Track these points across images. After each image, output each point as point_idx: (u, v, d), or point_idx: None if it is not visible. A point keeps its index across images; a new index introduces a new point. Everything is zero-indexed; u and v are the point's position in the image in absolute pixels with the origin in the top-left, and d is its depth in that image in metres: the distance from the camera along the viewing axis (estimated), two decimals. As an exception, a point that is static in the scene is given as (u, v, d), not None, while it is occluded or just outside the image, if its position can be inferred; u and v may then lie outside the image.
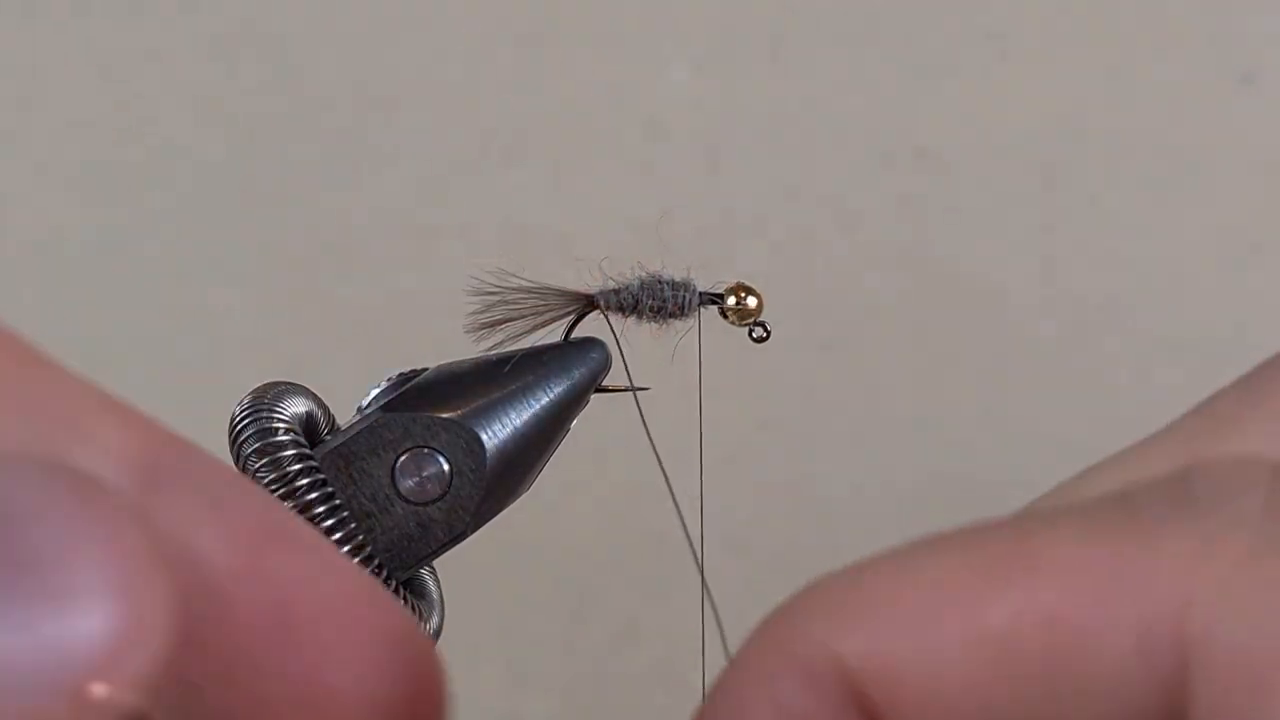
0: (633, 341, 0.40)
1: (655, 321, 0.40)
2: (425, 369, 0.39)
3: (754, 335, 0.40)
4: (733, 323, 0.40)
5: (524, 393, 0.38)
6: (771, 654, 0.26)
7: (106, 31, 0.81)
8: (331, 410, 0.39)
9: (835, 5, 0.79)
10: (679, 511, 0.38)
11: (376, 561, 0.37)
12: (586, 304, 0.39)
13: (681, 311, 0.39)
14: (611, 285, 0.40)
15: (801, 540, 0.77)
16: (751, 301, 0.40)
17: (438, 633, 0.38)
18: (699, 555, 0.39)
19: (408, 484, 0.37)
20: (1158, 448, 0.29)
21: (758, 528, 0.77)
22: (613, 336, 0.39)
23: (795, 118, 0.79)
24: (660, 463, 0.37)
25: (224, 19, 0.81)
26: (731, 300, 0.40)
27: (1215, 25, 0.78)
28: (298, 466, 0.36)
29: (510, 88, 0.80)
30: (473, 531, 0.38)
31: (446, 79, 0.80)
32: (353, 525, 0.36)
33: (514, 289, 0.39)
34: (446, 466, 0.37)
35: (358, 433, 0.37)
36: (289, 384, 0.38)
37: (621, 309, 0.39)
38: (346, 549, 0.36)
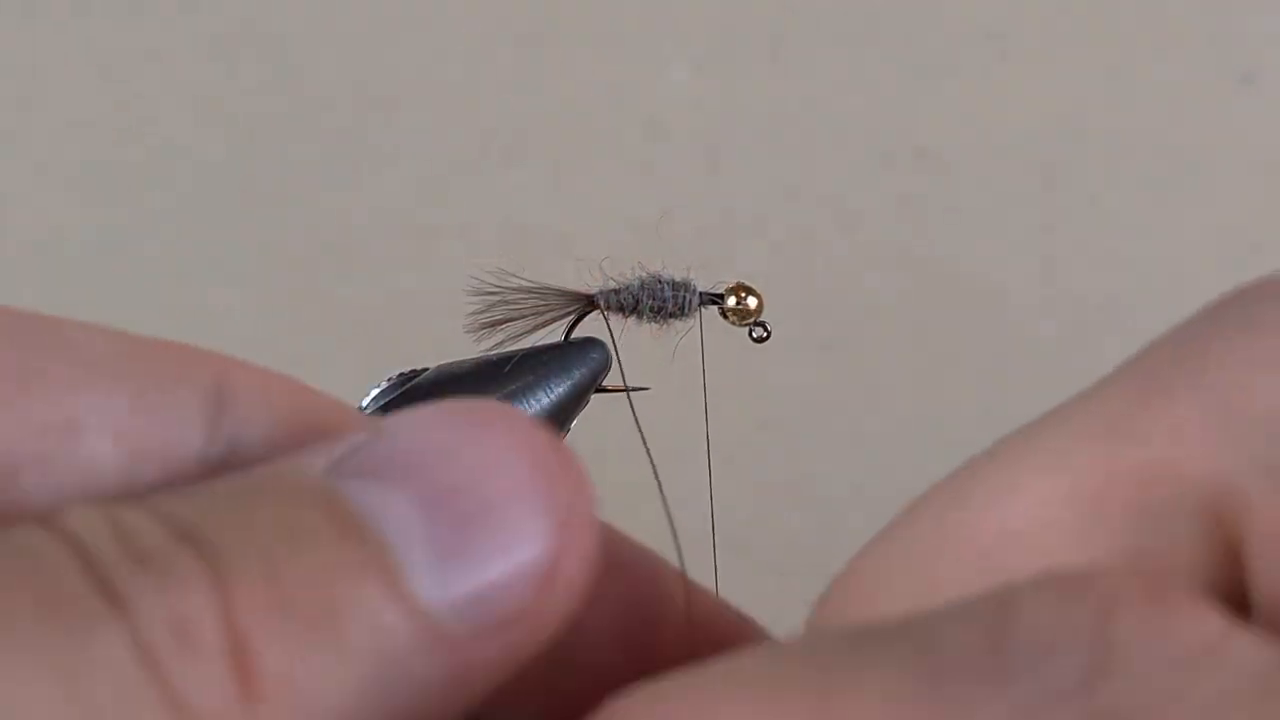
0: (633, 341, 0.40)
1: (655, 322, 0.39)
2: (425, 369, 0.39)
3: (754, 335, 0.40)
4: (733, 323, 0.40)
5: (524, 393, 0.38)
6: None
7: (106, 31, 0.81)
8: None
9: (835, 5, 0.79)
10: (669, 515, 0.38)
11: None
12: (586, 304, 0.39)
13: (682, 312, 0.39)
14: (612, 285, 0.40)
15: (801, 540, 0.77)
16: (752, 302, 0.40)
17: None
18: (712, 555, 0.39)
19: (408, 484, 0.37)
20: (1051, 461, 0.27)
21: (758, 528, 0.77)
22: (610, 337, 0.39)
23: (795, 118, 0.79)
24: (652, 461, 0.37)
25: (224, 19, 0.81)
26: (732, 300, 0.40)
27: (1215, 25, 0.78)
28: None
29: (510, 88, 0.80)
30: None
31: (446, 79, 0.80)
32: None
33: (514, 289, 0.39)
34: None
35: (358, 433, 0.37)
36: (289, 384, 0.38)
37: (622, 309, 0.39)
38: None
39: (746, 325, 0.40)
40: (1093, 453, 0.26)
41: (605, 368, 0.39)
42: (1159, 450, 0.25)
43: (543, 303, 0.39)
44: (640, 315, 0.39)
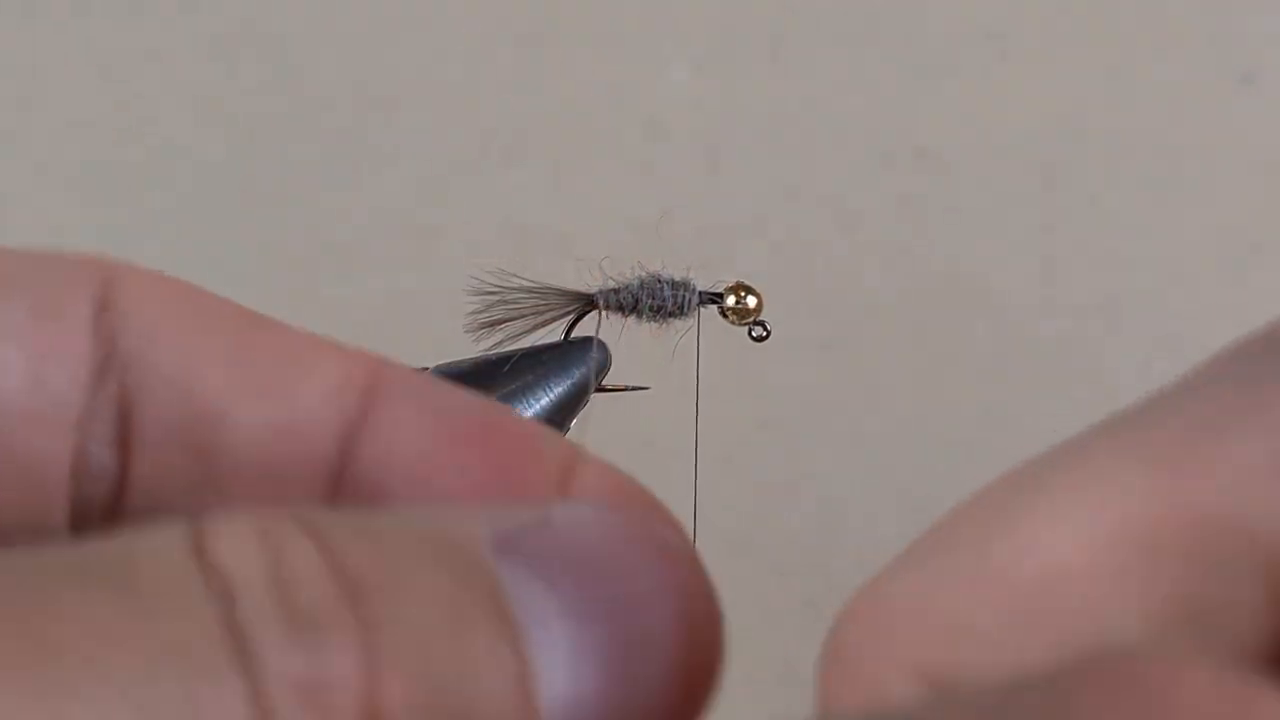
0: (633, 341, 0.40)
1: (655, 321, 0.40)
2: (425, 369, 0.39)
3: (754, 334, 0.40)
4: (732, 322, 0.40)
5: (524, 392, 0.38)
6: None
7: (106, 31, 0.81)
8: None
9: (835, 5, 0.79)
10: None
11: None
12: (586, 304, 0.39)
13: (681, 311, 0.39)
14: (611, 285, 0.40)
15: (801, 540, 0.77)
16: (751, 301, 0.40)
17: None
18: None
19: (407, 483, 0.37)
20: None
21: (758, 528, 0.77)
22: (596, 334, 0.39)
23: (795, 118, 0.79)
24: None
25: (224, 19, 0.81)
26: (731, 300, 0.40)
27: (1215, 25, 0.78)
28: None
29: (510, 88, 0.80)
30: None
31: (446, 79, 0.80)
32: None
33: (514, 289, 0.39)
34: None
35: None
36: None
37: (621, 309, 0.39)
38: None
39: (746, 324, 0.40)
40: (1149, 488, 0.24)
41: (605, 367, 0.39)
42: (1224, 494, 0.23)
43: (542, 302, 0.39)
44: (640, 315, 0.39)
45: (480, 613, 0.22)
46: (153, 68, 0.81)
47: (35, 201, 0.81)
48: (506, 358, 0.38)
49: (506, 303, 0.39)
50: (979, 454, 0.79)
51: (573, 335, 0.40)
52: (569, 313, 0.39)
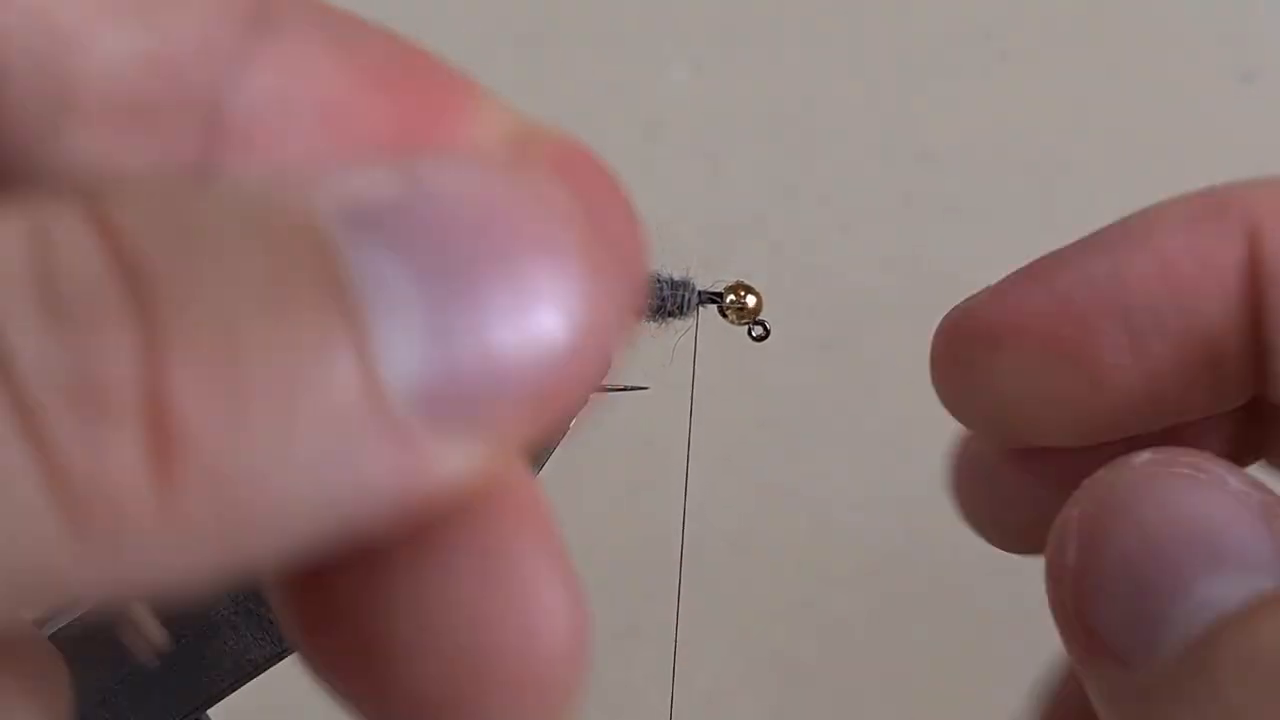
0: (633, 342, 0.40)
1: (654, 320, 0.39)
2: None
3: (753, 334, 0.40)
4: (732, 321, 0.40)
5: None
6: None
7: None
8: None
9: (835, 5, 0.79)
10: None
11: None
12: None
13: (680, 310, 0.39)
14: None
15: (800, 540, 0.77)
16: (750, 300, 0.40)
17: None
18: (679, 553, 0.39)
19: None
20: None
21: (757, 528, 0.77)
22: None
23: (795, 118, 0.79)
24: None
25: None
26: (731, 299, 0.40)
27: (1215, 25, 0.78)
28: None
29: (510, 88, 0.80)
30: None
31: (446, 79, 0.80)
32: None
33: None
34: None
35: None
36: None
37: (621, 308, 0.39)
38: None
39: (745, 324, 0.40)
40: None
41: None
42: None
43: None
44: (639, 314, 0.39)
45: (305, 293, 0.19)
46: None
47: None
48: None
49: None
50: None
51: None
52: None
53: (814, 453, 0.79)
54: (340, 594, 0.22)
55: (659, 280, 0.39)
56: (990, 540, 0.35)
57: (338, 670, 0.22)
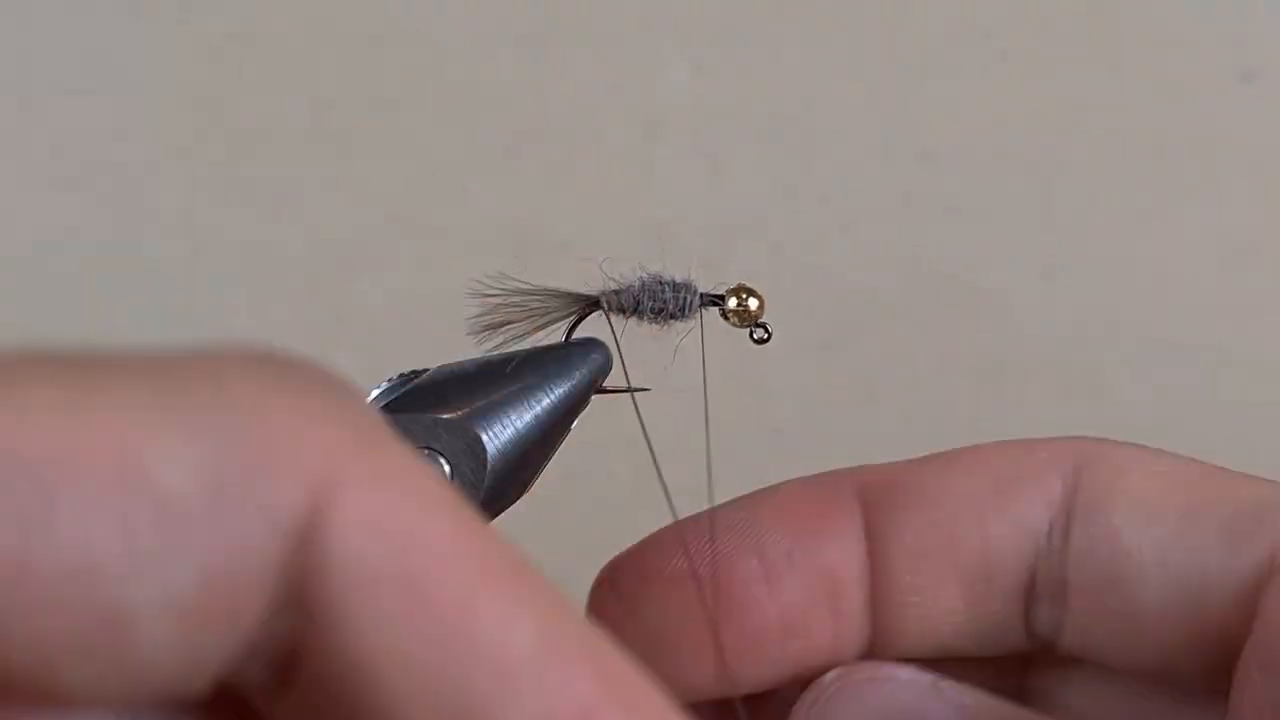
0: (635, 342, 0.40)
1: (656, 323, 0.39)
2: (426, 370, 0.39)
3: (755, 337, 0.40)
4: (734, 324, 0.40)
5: (525, 394, 0.38)
6: None
7: (106, 31, 0.81)
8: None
9: (835, 5, 0.79)
10: (672, 509, 0.38)
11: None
12: (588, 305, 0.39)
13: (682, 313, 0.39)
14: (613, 287, 0.39)
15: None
16: (753, 303, 0.40)
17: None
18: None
19: (409, 485, 0.37)
20: None
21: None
22: (613, 338, 0.39)
23: (795, 118, 0.79)
24: (657, 465, 0.37)
25: (224, 19, 0.81)
26: (733, 302, 0.39)
27: (1215, 25, 0.78)
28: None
29: (510, 88, 0.80)
30: (474, 532, 0.38)
31: (446, 79, 0.80)
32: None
33: (515, 291, 0.39)
34: (447, 467, 0.37)
35: (359, 434, 0.37)
36: (290, 385, 0.38)
37: (623, 310, 0.39)
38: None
39: (747, 327, 0.40)
40: None
41: (606, 369, 0.39)
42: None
43: (544, 304, 0.39)
44: (641, 316, 0.39)
45: None
46: (153, 68, 0.81)
47: (35, 201, 0.81)
48: (508, 359, 0.38)
49: (508, 305, 0.39)
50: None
51: (574, 337, 0.40)
52: (571, 314, 0.39)
53: (814, 453, 0.78)
54: None
55: (660, 282, 0.39)
56: None
57: None
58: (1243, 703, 0.34)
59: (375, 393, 0.39)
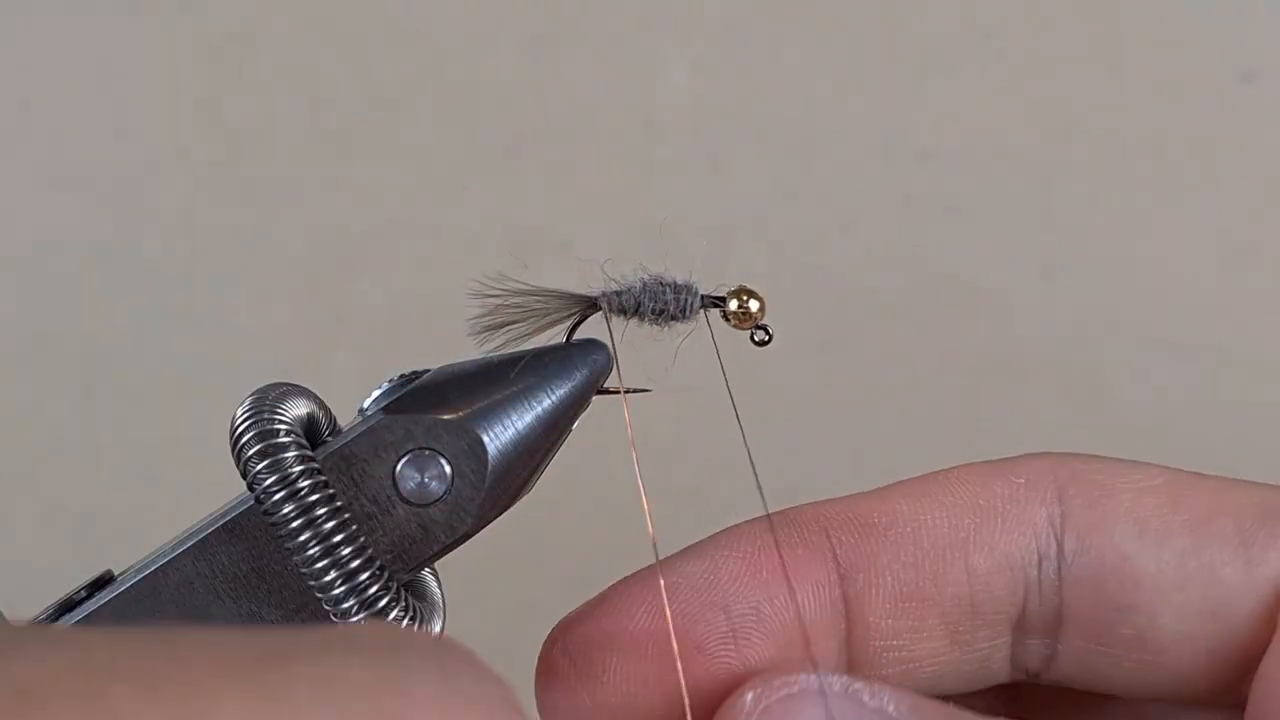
0: (635, 343, 0.40)
1: (657, 324, 0.39)
2: (427, 370, 0.39)
3: (756, 339, 0.40)
4: (734, 326, 0.40)
5: (526, 394, 0.38)
6: None
7: (106, 31, 0.81)
8: (333, 412, 0.39)
9: (835, 5, 0.79)
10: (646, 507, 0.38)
11: (378, 564, 0.36)
12: (588, 306, 0.39)
13: (683, 314, 0.39)
14: (613, 287, 0.39)
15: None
16: (754, 305, 0.39)
17: (439, 635, 0.38)
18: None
19: (409, 485, 0.37)
20: None
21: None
22: (610, 339, 0.39)
23: (795, 118, 0.79)
24: (637, 468, 0.37)
25: (224, 19, 0.81)
26: (734, 304, 0.39)
27: (1215, 25, 0.78)
28: (299, 468, 0.36)
29: (510, 88, 0.80)
30: (474, 533, 0.38)
31: (446, 79, 0.80)
32: (354, 527, 0.36)
33: (516, 291, 0.39)
34: (448, 468, 0.37)
35: (359, 434, 0.37)
36: (290, 385, 0.38)
37: (623, 311, 0.39)
38: (348, 551, 0.36)
39: (748, 329, 0.40)
40: None
41: (606, 370, 0.39)
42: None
43: (544, 305, 0.39)
44: (642, 318, 0.39)
45: None
46: (153, 68, 0.81)
47: (35, 201, 0.81)
48: (508, 360, 0.38)
49: (508, 306, 0.39)
50: (978, 453, 0.78)
51: (574, 337, 0.40)
52: (571, 315, 0.39)
53: (815, 453, 0.79)
54: None
55: (661, 284, 0.39)
56: None
57: None
58: (1266, 705, 0.34)
59: (376, 394, 0.39)
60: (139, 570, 0.38)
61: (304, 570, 0.36)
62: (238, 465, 0.36)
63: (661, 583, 0.36)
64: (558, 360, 0.38)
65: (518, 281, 0.39)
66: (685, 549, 0.38)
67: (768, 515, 0.38)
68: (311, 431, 0.38)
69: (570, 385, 0.38)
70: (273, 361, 0.79)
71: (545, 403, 0.38)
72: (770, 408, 0.78)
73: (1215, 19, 0.78)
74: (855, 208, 0.79)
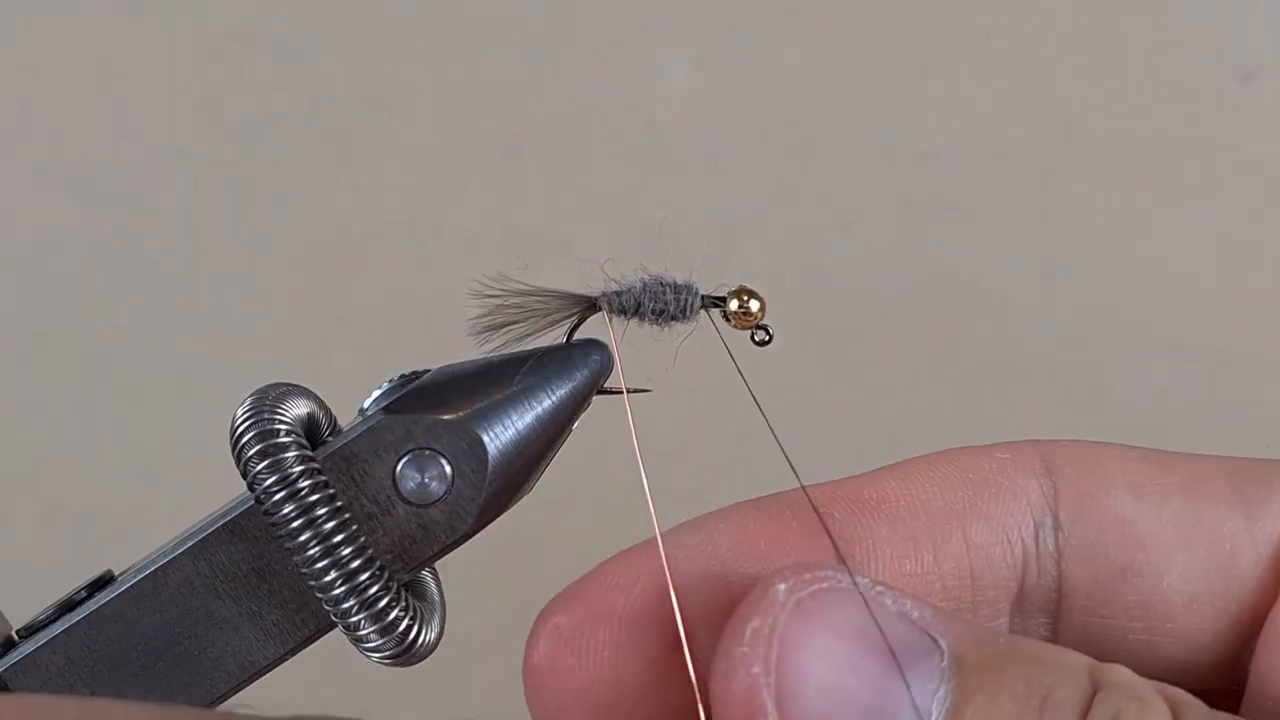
0: (636, 343, 0.40)
1: (657, 324, 0.39)
2: (427, 370, 0.39)
3: (756, 339, 0.40)
4: (735, 326, 0.40)
5: (526, 395, 0.38)
6: None
7: (106, 31, 0.81)
8: (333, 412, 0.39)
9: (835, 5, 0.79)
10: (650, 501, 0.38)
11: (378, 564, 0.36)
12: (588, 306, 0.39)
13: (684, 315, 0.39)
14: (614, 288, 0.39)
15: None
16: (754, 305, 0.39)
17: (439, 635, 0.38)
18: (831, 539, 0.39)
19: (409, 486, 0.37)
20: None
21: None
22: (611, 340, 0.39)
23: (795, 118, 0.79)
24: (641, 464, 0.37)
25: (224, 19, 0.81)
26: (734, 304, 0.39)
27: (1215, 25, 0.78)
28: (300, 468, 0.36)
29: (510, 88, 0.80)
30: (474, 533, 0.38)
31: (446, 79, 0.80)
32: (354, 527, 0.36)
33: (516, 291, 0.39)
34: (448, 468, 0.37)
35: (360, 434, 0.37)
36: (290, 385, 0.38)
37: (624, 311, 0.39)
38: (348, 551, 0.36)
39: (749, 329, 0.40)
40: None
41: (606, 370, 0.39)
42: None
43: (544, 305, 0.39)
44: (642, 318, 0.39)
45: None
46: (153, 68, 0.81)
47: (35, 201, 0.81)
48: (509, 360, 0.38)
49: (509, 306, 0.39)
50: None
51: (574, 338, 0.40)
52: (571, 315, 0.39)
53: (815, 453, 0.78)
54: None
55: (662, 284, 0.39)
56: None
57: None
58: (1271, 659, 0.34)
59: (376, 394, 0.39)
60: (139, 570, 0.38)
61: (304, 570, 0.36)
62: (238, 465, 0.36)
63: (661, 547, 0.36)
64: (558, 360, 0.38)
65: (518, 281, 0.39)
66: (680, 524, 0.38)
67: (802, 487, 0.39)
68: (312, 431, 0.38)
69: (571, 385, 0.38)
70: (273, 361, 0.79)
71: (546, 403, 0.38)
72: (770, 408, 0.78)
73: (1215, 19, 0.78)
74: (855, 208, 0.79)
